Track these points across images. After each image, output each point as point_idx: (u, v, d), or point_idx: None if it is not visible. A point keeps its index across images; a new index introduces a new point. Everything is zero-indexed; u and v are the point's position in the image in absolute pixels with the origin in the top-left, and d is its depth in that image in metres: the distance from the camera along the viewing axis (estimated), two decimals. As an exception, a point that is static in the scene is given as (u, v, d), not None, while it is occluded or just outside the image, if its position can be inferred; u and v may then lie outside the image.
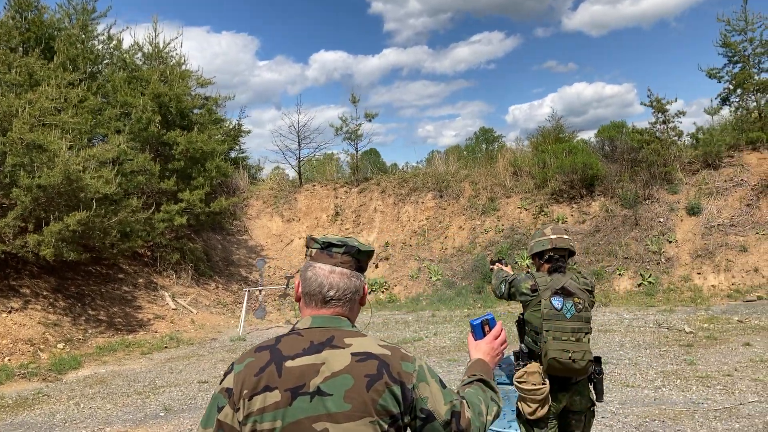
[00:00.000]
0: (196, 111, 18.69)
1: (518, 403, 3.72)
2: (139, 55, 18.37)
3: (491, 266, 4.40)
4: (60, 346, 12.21)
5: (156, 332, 13.95)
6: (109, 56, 18.19)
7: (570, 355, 3.52)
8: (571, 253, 3.87)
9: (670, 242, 16.39)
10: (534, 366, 3.67)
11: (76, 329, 13.10)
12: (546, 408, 3.62)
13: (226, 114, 22.34)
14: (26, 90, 13.63)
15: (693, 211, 16.78)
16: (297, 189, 21.89)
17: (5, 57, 13.70)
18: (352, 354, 1.78)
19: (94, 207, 12.73)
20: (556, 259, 3.77)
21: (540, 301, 3.66)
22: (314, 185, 22.02)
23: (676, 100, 20.88)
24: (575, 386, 3.70)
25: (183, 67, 18.64)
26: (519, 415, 3.73)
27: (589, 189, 18.59)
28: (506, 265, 4.36)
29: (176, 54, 18.72)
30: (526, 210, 18.83)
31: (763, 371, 8.10)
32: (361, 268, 1.96)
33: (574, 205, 18.51)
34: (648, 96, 18.55)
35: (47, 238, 12.24)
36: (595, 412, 3.89)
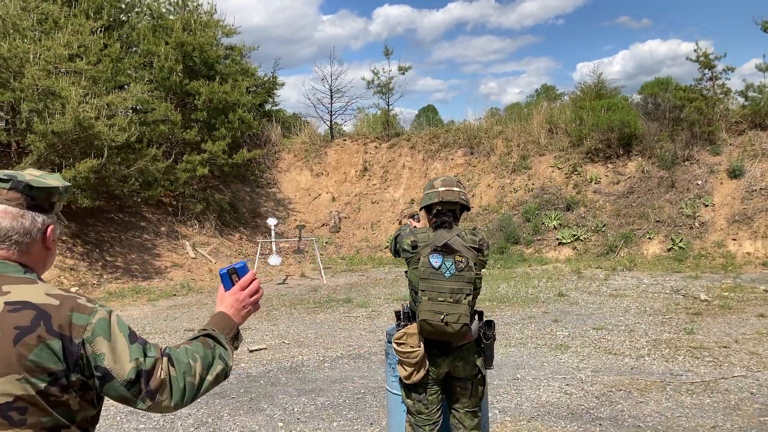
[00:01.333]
0: (224, 61, 18.57)
1: (397, 365, 3.44)
2: (167, 3, 18.27)
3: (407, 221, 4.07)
4: (73, 290, 12.46)
5: (171, 280, 14.14)
6: (138, 4, 18.17)
7: (443, 317, 3.19)
8: (464, 208, 3.50)
9: (707, 206, 15.52)
10: (414, 327, 3.36)
11: (91, 274, 13.38)
12: (422, 372, 3.33)
13: (260, 66, 22.15)
14: (49, 37, 13.72)
15: (734, 173, 15.80)
16: (328, 143, 21.68)
17: (26, 3, 13.76)
18: (6, 303, 1.54)
19: (106, 154, 12.83)
20: (442, 213, 3.41)
21: (419, 259, 3.34)
22: (345, 140, 21.75)
23: (725, 56, 19.44)
24: (458, 351, 3.37)
25: (213, 16, 18.46)
26: (400, 378, 3.45)
27: (626, 148, 17.73)
28: (418, 221, 4.01)
29: (206, 2, 18.56)
30: (559, 169, 18.13)
31: (765, 344, 7.54)
32: (38, 206, 1.67)
33: (609, 165, 17.71)
34: (695, 51, 17.43)
35: (61, 184, 12.41)
36: (486, 380, 3.56)
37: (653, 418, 5.23)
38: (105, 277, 13.48)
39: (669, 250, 14.93)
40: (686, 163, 16.66)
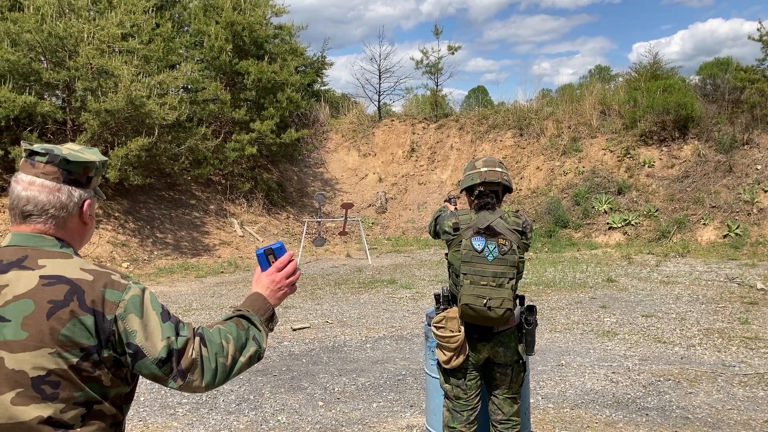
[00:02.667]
0: (274, 40, 18.62)
1: (435, 349, 3.38)
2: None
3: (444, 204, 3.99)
4: (125, 265, 12.80)
5: (219, 257, 14.36)
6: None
7: (485, 301, 3.10)
8: (507, 189, 3.39)
9: (766, 191, 14.92)
10: (454, 311, 3.29)
11: (142, 250, 13.68)
12: (461, 357, 3.26)
13: (309, 45, 22.13)
14: (103, 17, 13.95)
15: (797, 158, 15.14)
16: (375, 124, 21.61)
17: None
18: (41, 277, 1.55)
19: (157, 133, 13.03)
20: (485, 194, 3.31)
21: (461, 241, 3.25)
22: (393, 120, 21.65)
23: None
24: (499, 336, 3.29)
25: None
26: (439, 362, 3.40)
27: (682, 131, 17.15)
28: (454, 206, 3.92)
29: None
30: (611, 152, 17.67)
31: (825, 337, 7.23)
32: (75, 181, 1.67)
33: (663, 148, 17.18)
34: (758, 30, 16.70)
35: (113, 162, 12.69)
36: (527, 366, 3.47)
37: (703, 410, 5.06)
38: (155, 253, 13.76)
39: (725, 236, 14.44)
40: (745, 146, 16.04)
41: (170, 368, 1.58)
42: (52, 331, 1.50)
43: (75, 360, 1.52)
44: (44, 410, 1.51)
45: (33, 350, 1.50)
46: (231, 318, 1.75)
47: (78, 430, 1.55)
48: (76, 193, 1.68)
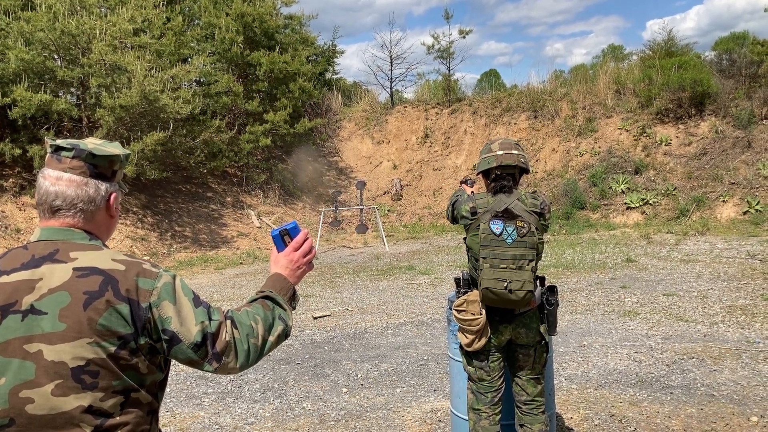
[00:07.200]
0: (284, 30, 18.62)
1: (458, 332, 3.39)
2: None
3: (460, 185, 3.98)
4: (144, 258, 12.91)
5: (237, 249, 14.44)
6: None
7: (506, 284, 3.11)
8: (524, 171, 3.38)
9: (786, 167, 14.74)
10: (474, 294, 3.30)
11: (161, 244, 13.79)
12: (483, 340, 3.27)
13: (320, 35, 22.01)
14: (114, 13, 14.02)
15: (817, 131, 14.92)
16: (388, 111, 21.56)
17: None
18: (75, 269, 1.58)
19: (172, 127, 13.10)
20: (502, 177, 3.31)
21: (479, 225, 3.25)
22: (405, 107, 21.58)
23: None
24: (520, 318, 3.30)
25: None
26: (461, 345, 3.41)
27: (698, 108, 16.96)
28: (472, 186, 3.92)
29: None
30: (627, 131, 17.51)
31: None
32: (101, 174, 1.70)
33: (680, 126, 17.00)
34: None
35: (129, 157, 12.78)
36: (549, 347, 3.47)
37: (728, 387, 5.03)
38: (174, 246, 13.88)
39: (745, 213, 14.29)
40: (764, 121, 15.84)
41: (205, 352, 1.62)
42: (89, 322, 1.53)
43: (113, 349, 1.55)
44: (84, 399, 1.53)
45: (71, 341, 1.53)
46: (256, 299, 1.79)
47: (117, 418, 1.58)
48: (103, 186, 1.71)
